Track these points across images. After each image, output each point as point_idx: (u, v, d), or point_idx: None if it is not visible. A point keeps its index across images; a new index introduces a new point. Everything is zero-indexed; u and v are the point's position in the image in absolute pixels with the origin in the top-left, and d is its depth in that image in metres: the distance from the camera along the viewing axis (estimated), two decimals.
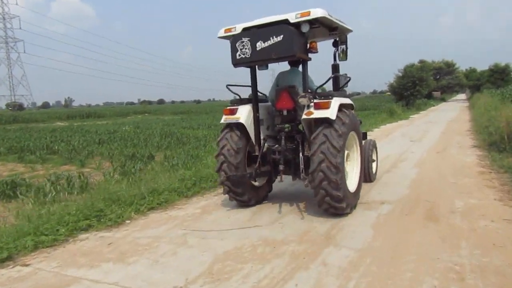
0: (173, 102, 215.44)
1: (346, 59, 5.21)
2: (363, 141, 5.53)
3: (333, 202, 4.13)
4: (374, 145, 6.30)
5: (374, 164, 6.14)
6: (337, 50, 5.25)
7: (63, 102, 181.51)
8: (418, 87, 32.49)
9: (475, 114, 19.45)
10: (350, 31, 5.16)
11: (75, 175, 6.76)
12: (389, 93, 37.04)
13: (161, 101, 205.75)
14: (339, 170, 4.02)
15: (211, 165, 6.90)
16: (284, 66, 5.28)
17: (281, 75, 5.22)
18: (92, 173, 7.84)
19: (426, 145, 10.32)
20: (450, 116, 22.25)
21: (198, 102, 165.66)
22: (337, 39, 5.22)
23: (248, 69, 4.90)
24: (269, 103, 5.26)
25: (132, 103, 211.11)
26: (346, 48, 5.19)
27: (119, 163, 8.37)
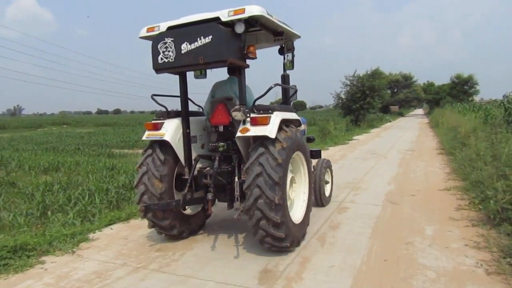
0: (132, 112, 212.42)
1: (292, 68, 4.79)
2: (317, 160, 5.48)
3: (275, 242, 3.63)
4: (328, 165, 5.85)
5: (328, 186, 5.79)
6: (284, 58, 4.78)
7: (16, 110, 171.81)
8: (369, 99, 26.50)
9: (442, 136, 15.76)
10: (298, 37, 4.70)
11: None
12: (332, 106, 30.95)
13: (117, 111, 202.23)
14: (280, 206, 3.50)
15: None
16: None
17: (218, 85, 4.66)
18: None
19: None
20: (408, 138, 17.23)
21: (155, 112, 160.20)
22: (283, 45, 4.74)
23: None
24: (204, 117, 4.62)
25: (89, 113, 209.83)
26: (293, 56, 4.78)
27: None
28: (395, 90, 62.22)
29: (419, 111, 77.65)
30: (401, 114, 56.61)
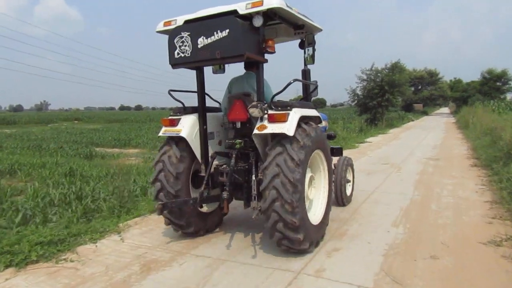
0: (153, 108, 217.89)
1: (313, 62, 4.67)
2: (338, 158, 5.37)
3: (287, 231, 3.42)
4: (349, 163, 5.66)
5: (349, 186, 5.58)
6: (304, 52, 4.66)
7: (43, 106, 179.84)
8: (388, 95, 23.59)
9: (474, 140, 12.91)
10: (319, 30, 4.52)
11: None
12: (350, 103, 28.02)
13: (138, 107, 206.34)
14: (297, 188, 3.35)
15: None
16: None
17: (234, 80, 4.52)
18: None
19: None
20: (431, 141, 14.95)
21: None
22: (304, 39, 4.57)
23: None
24: (221, 113, 4.53)
25: (112, 108, 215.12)
26: (314, 50, 4.62)
27: None
28: (419, 87, 58.81)
29: (445, 109, 73.36)
30: (425, 113, 53.11)
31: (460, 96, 48.49)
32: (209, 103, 4.42)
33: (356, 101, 26.14)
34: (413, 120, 35.30)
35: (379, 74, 24.74)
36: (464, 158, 9.80)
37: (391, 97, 24.26)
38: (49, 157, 11.26)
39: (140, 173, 7.64)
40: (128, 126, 30.21)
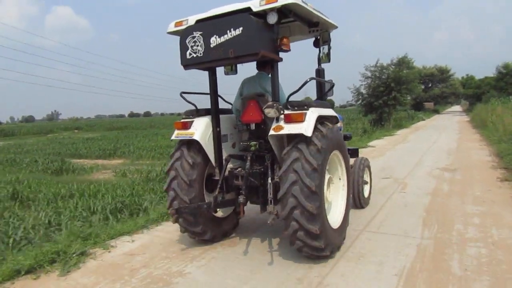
0: (162, 114, 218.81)
1: (329, 61, 4.56)
2: (354, 160, 5.22)
3: (308, 239, 3.30)
4: (366, 164, 5.48)
5: (366, 187, 5.40)
6: (319, 51, 4.54)
7: (54, 116, 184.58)
8: (394, 93, 21.47)
9: (496, 143, 11.01)
10: (335, 27, 4.37)
11: None
12: (352, 103, 25.90)
13: (147, 114, 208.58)
14: (316, 195, 3.23)
15: None
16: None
17: (247, 81, 4.37)
18: None
19: None
20: (444, 145, 13.13)
21: None
22: (319, 37, 4.47)
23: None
24: (234, 115, 4.40)
25: (122, 116, 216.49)
26: (329, 48, 4.51)
27: None
28: (430, 85, 56.38)
29: (457, 107, 70.60)
30: (436, 111, 50.70)
31: (474, 93, 45.93)
32: (221, 104, 4.27)
33: (360, 101, 24.07)
34: (423, 120, 33.07)
35: (384, 71, 22.62)
36: (488, 168, 7.70)
37: (398, 95, 22.09)
38: (13, 173, 10.16)
39: (105, 191, 6.55)
40: (126, 134, 29.31)
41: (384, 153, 11.19)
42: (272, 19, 3.32)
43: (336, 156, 3.83)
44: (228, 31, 3.33)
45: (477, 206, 4.99)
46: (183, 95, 4.00)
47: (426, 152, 10.79)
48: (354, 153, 5.23)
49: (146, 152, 14.35)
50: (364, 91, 23.50)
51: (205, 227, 3.93)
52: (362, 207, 5.15)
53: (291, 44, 4.07)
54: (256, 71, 4.30)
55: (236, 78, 4.69)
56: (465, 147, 11.71)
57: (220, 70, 4.36)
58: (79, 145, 19.63)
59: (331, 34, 4.42)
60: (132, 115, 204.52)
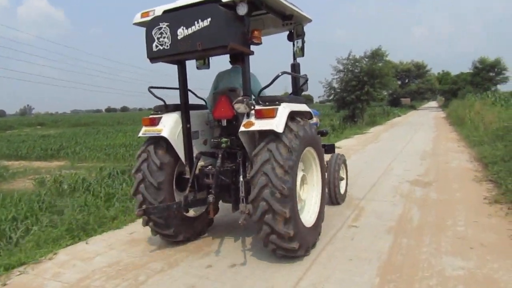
0: (140, 109, 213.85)
1: (303, 55, 4.49)
2: (331, 156, 5.22)
3: (281, 242, 3.21)
4: (343, 160, 5.38)
5: (342, 183, 5.31)
6: (293, 45, 4.49)
7: (27, 110, 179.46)
8: (367, 88, 19.93)
9: (476, 144, 9.52)
10: (309, 20, 4.35)
11: None
12: (325, 99, 24.19)
13: (124, 109, 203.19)
14: (289, 198, 3.13)
15: None
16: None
17: (221, 75, 4.29)
18: None
19: None
20: (419, 145, 11.79)
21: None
22: (293, 30, 4.41)
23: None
24: (206, 111, 4.28)
25: (99, 111, 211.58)
26: (303, 42, 4.46)
27: None
28: (406, 81, 55.66)
29: (433, 103, 70.44)
30: (413, 107, 50.01)
31: (449, 89, 45.14)
32: (194, 100, 4.14)
33: (332, 96, 22.44)
34: (399, 116, 31.88)
35: (357, 64, 21.03)
36: (471, 180, 6.03)
37: (371, 90, 20.55)
38: None
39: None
40: (88, 131, 27.39)
41: (350, 156, 9.39)
42: (242, 10, 3.20)
43: (309, 153, 3.74)
44: (195, 23, 3.20)
45: (461, 259, 3.17)
46: (152, 90, 3.87)
47: (397, 156, 9.11)
48: (330, 149, 5.20)
49: (93, 152, 13.19)
50: (336, 86, 21.92)
51: (178, 228, 3.80)
52: (338, 203, 5.04)
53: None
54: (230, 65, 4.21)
55: (213, 72, 4.45)
56: (442, 148, 10.12)
57: (191, 64, 4.21)
58: (28, 143, 17.99)
59: (305, 27, 4.40)
60: (109, 110, 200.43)
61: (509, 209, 4.42)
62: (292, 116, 3.34)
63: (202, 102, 4.35)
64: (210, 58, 4.38)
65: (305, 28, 4.41)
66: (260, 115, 3.23)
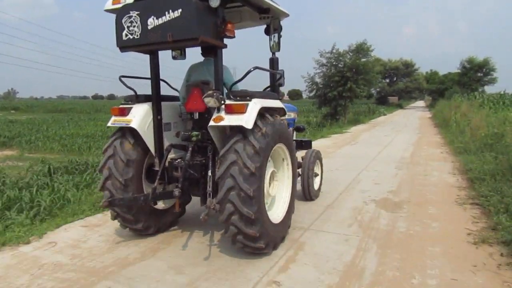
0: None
1: (278, 50, 4.43)
2: (306, 151, 5.21)
3: (248, 242, 3.21)
4: (318, 156, 5.31)
5: (317, 179, 5.28)
6: (270, 39, 4.43)
7: (10, 94, 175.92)
8: (350, 84, 18.70)
9: (461, 152, 8.60)
10: (286, 15, 4.31)
11: None
12: (308, 94, 22.81)
13: (111, 96, 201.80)
14: (255, 199, 3.10)
15: None
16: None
17: (194, 67, 4.19)
18: None
19: None
20: (399, 151, 10.43)
21: None
22: (269, 24, 4.38)
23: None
24: (180, 103, 4.20)
25: (86, 97, 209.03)
26: (279, 36, 4.42)
27: None
28: (394, 79, 54.83)
29: (420, 103, 70.00)
30: (400, 106, 49.24)
31: (437, 89, 44.35)
32: (168, 91, 4.15)
33: (315, 91, 21.14)
34: (384, 114, 30.87)
35: (341, 58, 19.75)
36: (452, 203, 4.81)
37: (354, 86, 19.32)
38: None
39: None
40: (61, 118, 26.33)
41: None
42: (214, 2, 3.09)
43: (281, 149, 3.68)
44: (166, 13, 3.08)
45: None
46: (123, 79, 3.74)
47: (370, 163, 7.86)
48: (307, 144, 5.22)
49: (49, 142, 11.85)
50: (319, 81, 20.62)
51: (147, 222, 3.72)
52: (311, 199, 4.97)
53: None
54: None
55: (190, 62, 4.26)
56: (423, 155, 8.92)
57: (165, 54, 4.10)
58: None
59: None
60: (96, 97, 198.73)
61: (502, 255, 3.18)
62: (263, 112, 3.28)
63: (176, 93, 4.25)
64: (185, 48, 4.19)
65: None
66: (230, 110, 3.18)
